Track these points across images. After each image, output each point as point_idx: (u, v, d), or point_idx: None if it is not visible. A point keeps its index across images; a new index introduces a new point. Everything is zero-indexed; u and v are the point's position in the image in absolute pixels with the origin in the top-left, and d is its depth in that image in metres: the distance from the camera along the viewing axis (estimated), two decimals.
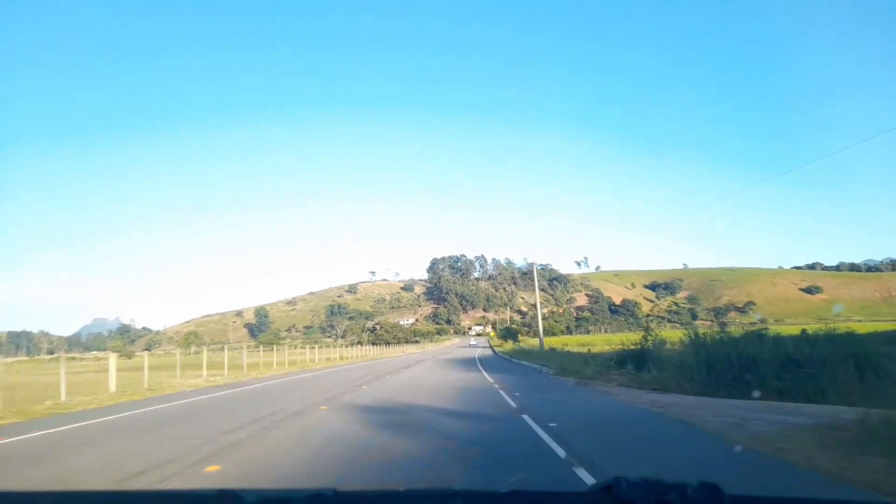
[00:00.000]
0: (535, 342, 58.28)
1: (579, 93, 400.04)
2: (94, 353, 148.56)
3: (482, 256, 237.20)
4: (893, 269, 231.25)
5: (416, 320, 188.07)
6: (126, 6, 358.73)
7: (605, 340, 61.66)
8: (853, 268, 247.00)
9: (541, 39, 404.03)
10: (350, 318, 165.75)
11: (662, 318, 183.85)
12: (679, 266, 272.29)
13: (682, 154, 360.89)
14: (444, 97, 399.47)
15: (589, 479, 5.25)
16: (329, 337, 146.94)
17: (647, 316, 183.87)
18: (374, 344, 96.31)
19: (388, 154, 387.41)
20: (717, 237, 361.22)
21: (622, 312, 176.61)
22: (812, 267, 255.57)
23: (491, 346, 75.79)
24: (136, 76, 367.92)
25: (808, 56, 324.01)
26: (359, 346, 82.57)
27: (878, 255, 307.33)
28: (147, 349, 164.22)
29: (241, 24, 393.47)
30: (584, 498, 1.51)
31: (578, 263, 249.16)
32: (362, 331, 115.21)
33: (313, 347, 71.96)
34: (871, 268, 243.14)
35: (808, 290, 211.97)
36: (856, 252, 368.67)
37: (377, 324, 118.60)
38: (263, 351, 43.83)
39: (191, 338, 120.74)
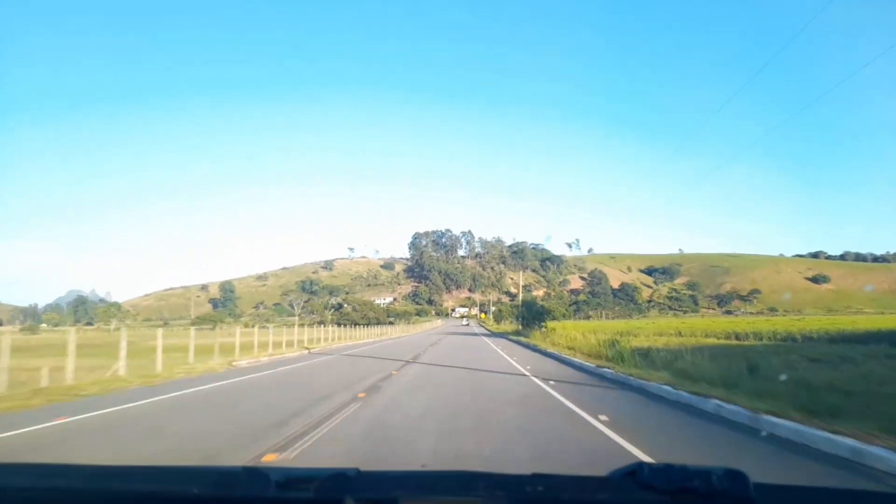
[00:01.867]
0: (585, 329, 29.92)
1: (569, 74, 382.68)
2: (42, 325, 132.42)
3: (469, 232, 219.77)
4: None
5: (395, 299, 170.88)
6: None
7: (665, 328, 43.74)
8: (858, 257, 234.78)
9: (529, 22, 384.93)
10: (312, 294, 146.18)
11: (663, 304, 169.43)
12: (675, 251, 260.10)
13: (678, 136, 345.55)
14: (432, 78, 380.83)
15: None
16: (296, 315, 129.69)
17: (649, 301, 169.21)
18: (339, 324, 79.36)
19: (374, 130, 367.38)
20: (714, 222, 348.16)
21: (621, 297, 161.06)
22: (815, 255, 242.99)
23: (508, 336, 44.20)
24: (126, 50, 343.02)
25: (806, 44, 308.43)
26: (319, 326, 65.77)
27: (881, 247, 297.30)
28: (88, 324, 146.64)
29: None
30: (607, 482, 1.49)
31: (570, 245, 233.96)
32: (325, 308, 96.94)
33: (265, 328, 57.31)
34: (877, 258, 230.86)
35: (815, 280, 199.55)
36: (859, 242, 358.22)
37: (344, 300, 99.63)
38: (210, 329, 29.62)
39: (112, 311, 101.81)
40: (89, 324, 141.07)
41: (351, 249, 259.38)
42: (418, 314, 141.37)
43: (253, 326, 68.66)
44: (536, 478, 1.41)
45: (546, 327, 38.55)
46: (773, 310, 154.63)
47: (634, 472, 1.36)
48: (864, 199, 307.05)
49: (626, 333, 36.79)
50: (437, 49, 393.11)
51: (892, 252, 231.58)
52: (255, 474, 1.48)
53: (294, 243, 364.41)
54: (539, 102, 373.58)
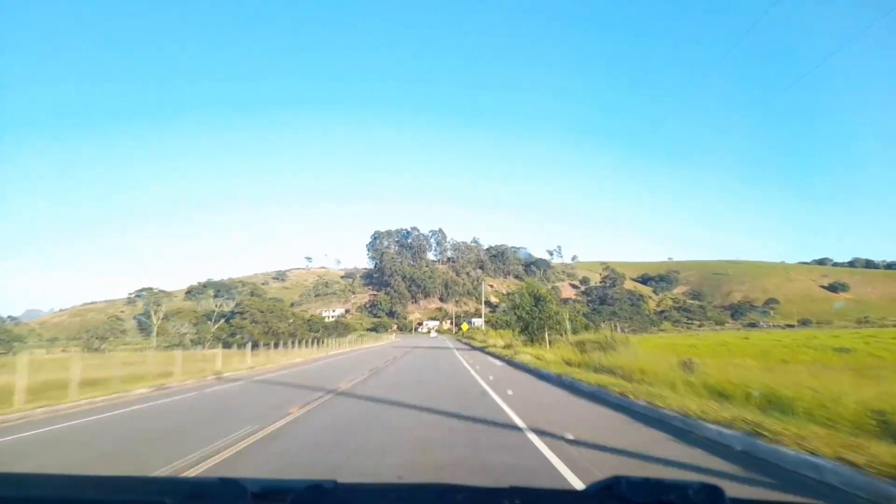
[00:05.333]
0: None
1: (547, 81, 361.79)
2: None
3: (440, 232, 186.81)
4: None
5: (347, 311, 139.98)
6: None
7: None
8: (869, 264, 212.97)
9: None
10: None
11: (677, 318, 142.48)
12: (665, 258, 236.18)
13: (662, 142, 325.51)
14: (404, 77, 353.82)
15: None
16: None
17: (660, 312, 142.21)
18: (226, 345, 49.92)
19: (339, 132, 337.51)
20: (707, 228, 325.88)
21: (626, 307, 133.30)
22: (821, 262, 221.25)
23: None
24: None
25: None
26: (197, 349, 36.79)
27: (891, 254, 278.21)
28: None
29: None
30: (584, 496, 1.47)
31: (551, 253, 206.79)
32: (209, 318, 65.63)
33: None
34: (890, 265, 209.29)
35: (832, 288, 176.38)
36: (865, 249, 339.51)
37: (238, 306, 67.48)
38: None
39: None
40: None
41: (308, 259, 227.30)
42: (374, 329, 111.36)
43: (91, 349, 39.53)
44: (514, 491, 1.37)
45: None
46: (804, 322, 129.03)
47: (611, 486, 1.33)
48: (870, 204, 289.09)
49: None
50: (409, 48, 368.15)
51: None
52: (230, 484, 1.45)
53: (249, 253, 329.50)
54: (516, 106, 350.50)
